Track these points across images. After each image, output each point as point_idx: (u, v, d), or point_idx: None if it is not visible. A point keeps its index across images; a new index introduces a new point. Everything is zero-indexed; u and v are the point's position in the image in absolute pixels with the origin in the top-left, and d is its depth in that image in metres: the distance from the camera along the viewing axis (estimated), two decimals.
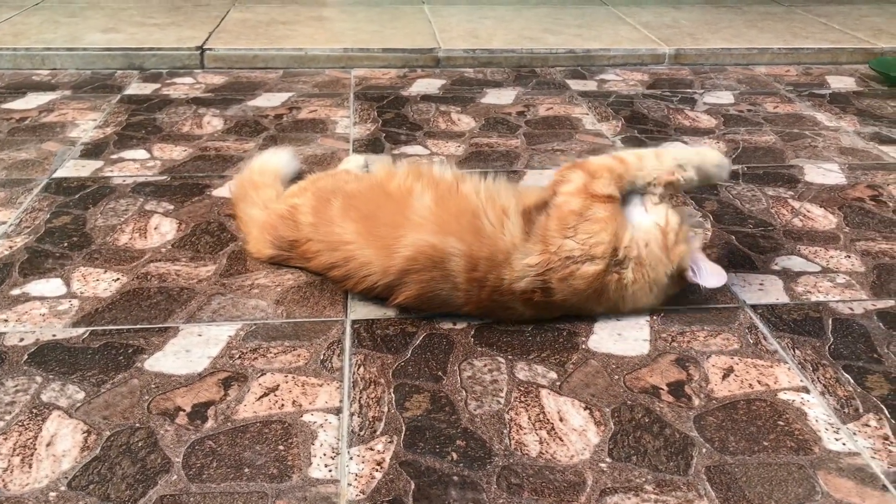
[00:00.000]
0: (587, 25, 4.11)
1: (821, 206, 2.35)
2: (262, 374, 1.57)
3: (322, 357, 1.63)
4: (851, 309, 1.84)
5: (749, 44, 3.84)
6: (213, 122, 2.90)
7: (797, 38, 3.94)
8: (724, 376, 1.61)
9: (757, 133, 2.91)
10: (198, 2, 4.43)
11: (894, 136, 2.90)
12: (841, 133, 2.92)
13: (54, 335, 1.69)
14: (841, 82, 3.54)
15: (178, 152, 2.63)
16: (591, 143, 2.79)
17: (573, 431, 1.45)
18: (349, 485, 1.32)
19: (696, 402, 1.53)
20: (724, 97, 3.30)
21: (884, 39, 3.94)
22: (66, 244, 2.05)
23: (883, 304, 1.86)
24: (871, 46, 3.85)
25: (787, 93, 3.38)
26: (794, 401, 1.54)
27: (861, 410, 1.52)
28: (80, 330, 1.71)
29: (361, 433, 1.43)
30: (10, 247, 2.03)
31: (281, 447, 1.40)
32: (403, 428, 1.45)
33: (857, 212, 2.32)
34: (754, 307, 1.84)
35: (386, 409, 1.49)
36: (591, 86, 3.42)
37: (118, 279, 1.90)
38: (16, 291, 1.84)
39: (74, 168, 2.49)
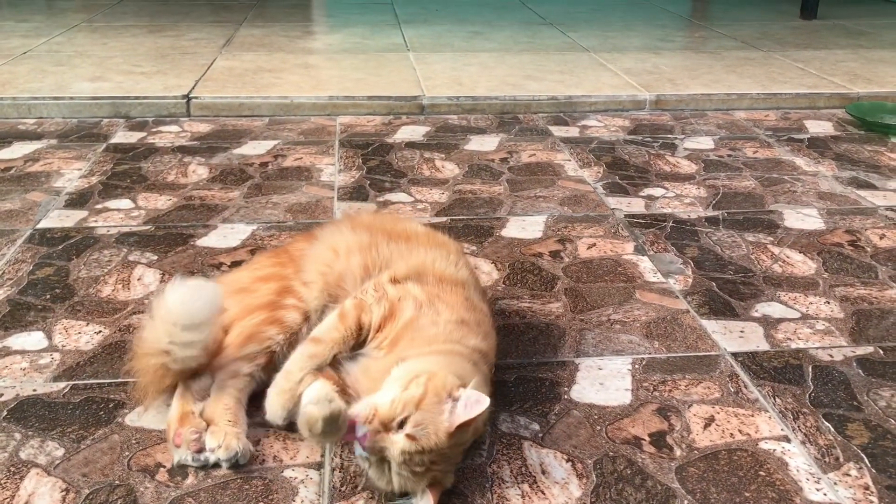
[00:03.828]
0: (569, 72, 4.17)
1: (800, 252, 2.37)
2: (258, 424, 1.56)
3: None
4: (831, 356, 1.86)
5: (728, 89, 3.90)
6: (198, 171, 2.91)
7: (775, 84, 4.02)
8: (706, 426, 1.61)
9: (737, 178, 2.95)
10: (184, 50, 4.48)
11: (872, 180, 2.95)
12: (819, 178, 2.97)
13: (35, 390, 1.68)
14: (819, 127, 3.60)
15: (162, 201, 2.64)
16: (572, 189, 2.82)
17: (555, 484, 1.45)
18: None
19: (678, 452, 1.54)
20: (705, 142, 3.35)
21: (860, 84, 4.02)
22: (48, 296, 2.05)
23: (862, 350, 1.88)
24: (847, 91, 3.92)
25: (767, 137, 3.43)
26: (775, 450, 1.55)
27: (842, 459, 1.52)
28: (61, 384, 1.70)
29: (343, 489, 1.43)
30: None
31: (261, 503, 1.39)
32: None
33: (836, 257, 2.35)
34: (735, 355, 1.86)
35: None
36: (573, 132, 3.46)
37: (100, 331, 1.90)
38: None
39: (59, 218, 2.50)
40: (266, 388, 1.59)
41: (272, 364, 1.62)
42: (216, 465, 1.46)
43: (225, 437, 1.47)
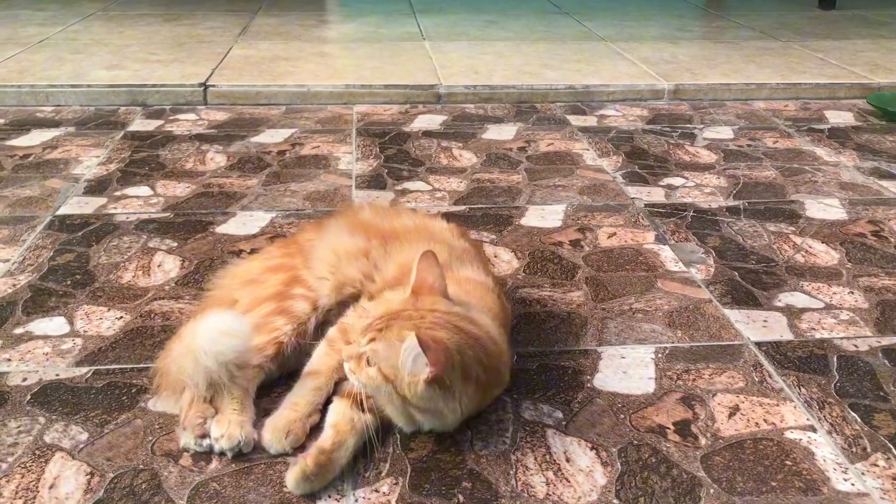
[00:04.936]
0: (586, 61, 4.15)
1: (822, 242, 2.35)
2: (266, 415, 1.56)
3: None
4: (856, 346, 1.84)
5: (747, 79, 3.87)
6: (216, 159, 2.91)
7: (795, 74, 3.98)
8: (731, 415, 1.60)
9: (757, 168, 2.93)
10: (201, 38, 4.47)
11: (894, 171, 2.92)
12: (841, 168, 2.94)
13: (57, 375, 1.68)
14: (839, 117, 3.56)
15: (181, 189, 2.64)
16: (591, 178, 2.80)
17: (580, 472, 1.44)
18: None
19: (703, 441, 1.52)
20: (724, 132, 3.32)
21: (880, 74, 3.98)
22: (69, 282, 2.05)
23: (888, 340, 1.86)
24: (868, 81, 3.88)
25: (787, 128, 3.40)
26: (801, 440, 1.53)
27: (869, 450, 1.51)
28: (84, 369, 1.70)
29: (367, 475, 1.42)
30: (14, 285, 2.03)
31: (285, 489, 1.39)
32: (409, 469, 1.44)
33: (859, 247, 2.32)
34: (759, 344, 1.84)
35: (391, 450, 1.48)
36: (591, 121, 3.44)
37: (121, 317, 1.90)
38: (19, 330, 1.84)
39: (78, 205, 2.50)
40: (276, 377, 1.64)
41: (280, 354, 1.62)
42: (222, 454, 1.46)
43: (229, 425, 1.47)
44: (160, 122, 3.32)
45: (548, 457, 1.47)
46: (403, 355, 1.34)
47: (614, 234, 2.38)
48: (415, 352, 1.32)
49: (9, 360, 1.73)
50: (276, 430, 1.46)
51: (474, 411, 1.49)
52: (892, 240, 2.37)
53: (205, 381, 1.48)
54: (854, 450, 1.51)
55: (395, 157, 2.97)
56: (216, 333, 1.49)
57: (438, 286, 1.47)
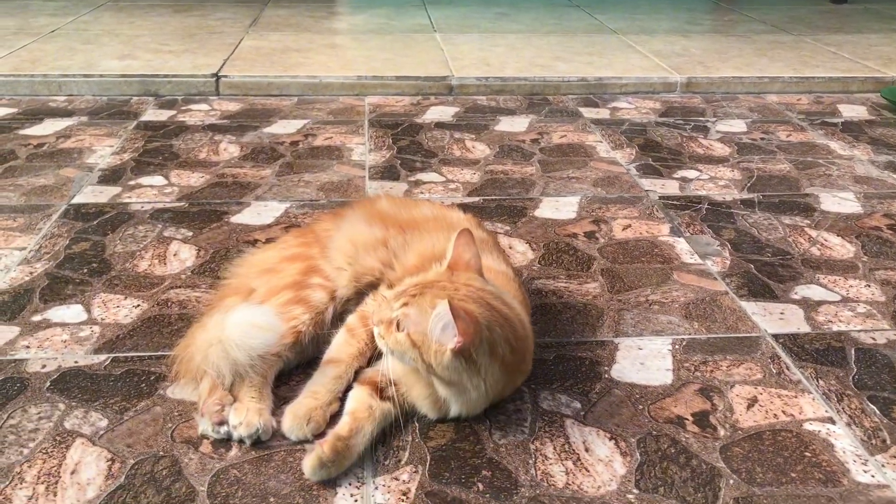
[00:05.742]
0: (598, 53, 4.13)
1: (838, 235, 2.35)
2: (284, 403, 1.56)
3: None
4: (874, 339, 1.84)
5: (760, 72, 3.86)
6: (229, 149, 2.91)
7: (807, 67, 3.96)
8: (749, 406, 1.60)
9: (771, 161, 2.92)
10: (212, 29, 4.47)
11: None
12: (855, 161, 2.93)
13: (76, 362, 1.69)
14: (853, 111, 3.55)
15: (195, 178, 2.64)
16: (605, 170, 2.79)
17: (599, 462, 1.44)
18: None
19: (722, 432, 1.52)
20: (737, 125, 3.31)
21: (894, 68, 3.96)
22: (85, 270, 2.06)
23: None
24: (881, 75, 3.86)
25: (800, 121, 3.39)
26: (820, 431, 1.53)
27: (889, 442, 1.51)
28: (102, 356, 1.71)
29: (386, 463, 1.42)
30: (31, 273, 2.03)
31: (304, 476, 1.39)
32: (428, 457, 1.44)
33: (875, 241, 2.32)
34: (776, 336, 1.84)
35: (410, 439, 1.48)
36: (603, 113, 3.43)
37: (139, 305, 1.90)
38: (37, 318, 1.84)
39: (92, 194, 2.51)
40: (293, 366, 1.64)
41: (298, 343, 1.62)
42: (241, 442, 1.46)
43: (247, 413, 1.47)
44: (173, 112, 3.32)
45: (567, 446, 1.47)
46: (433, 322, 1.34)
47: (629, 226, 2.37)
48: (445, 319, 1.32)
49: (28, 347, 1.73)
50: (296, 418, 1.47)
51: (498, 396, 1.50)
52: None
53: (231, 372, 1.49)
54: (873, 442, 1.51)
55: (407, 148, 2.96)
56: (248, 327, 1.50)
57: (474, 264, 1.48)
